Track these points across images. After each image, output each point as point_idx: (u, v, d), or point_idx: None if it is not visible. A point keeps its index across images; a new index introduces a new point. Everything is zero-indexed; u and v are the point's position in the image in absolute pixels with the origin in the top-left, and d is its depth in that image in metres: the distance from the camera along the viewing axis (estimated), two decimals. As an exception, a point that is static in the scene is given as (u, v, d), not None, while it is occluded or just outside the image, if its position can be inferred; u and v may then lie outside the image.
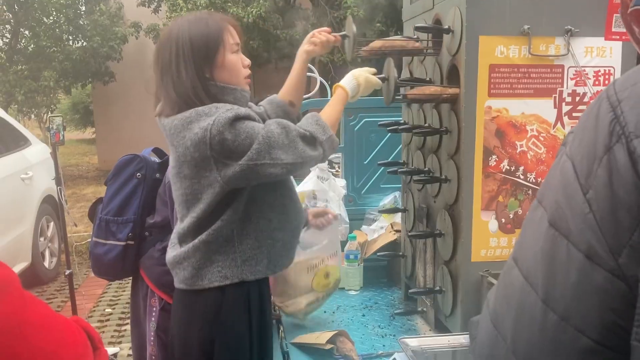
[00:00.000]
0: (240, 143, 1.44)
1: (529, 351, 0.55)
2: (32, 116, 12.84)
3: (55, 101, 11.41)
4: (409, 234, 1.85)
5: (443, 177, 1.71)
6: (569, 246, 0.53)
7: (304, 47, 1.74)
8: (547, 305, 0.53)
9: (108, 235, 2.02)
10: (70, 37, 10.53)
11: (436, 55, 1.78)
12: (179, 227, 1.59)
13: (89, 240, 2.15)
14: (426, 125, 1.84)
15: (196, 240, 1.54)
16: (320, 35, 1.74)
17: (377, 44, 1.83)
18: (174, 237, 1.63)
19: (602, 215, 0.51)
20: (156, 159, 2.11)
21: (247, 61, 1.59)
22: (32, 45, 10.25)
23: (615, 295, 0.50)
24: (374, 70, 1.74)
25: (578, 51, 1.58)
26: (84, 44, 10.47)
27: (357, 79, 1.69)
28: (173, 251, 1.60)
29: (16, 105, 10.16)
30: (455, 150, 1.64)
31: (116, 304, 4.42)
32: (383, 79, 1.75)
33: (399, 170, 1.95)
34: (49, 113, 12.19)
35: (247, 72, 1.59)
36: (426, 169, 1.85)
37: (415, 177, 1.78)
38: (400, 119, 2.17)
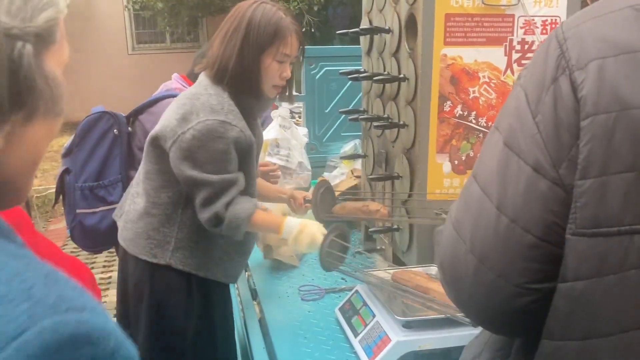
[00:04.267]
0: (203, 159, 1.52)
1: (485, 249, 0.66)
2: None
3: None
4: (369, 177, 1.96)
5: (401, 122, 1.80)
6: (519, 162, 0.64)
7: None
8: (500, 210, 0.65)
9: (96, 202, 1.96)
10: None
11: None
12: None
13: (46, 193, 2.08)
14: (385, 73, 1.91)
15: (142, 206, 1.64)
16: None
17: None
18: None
19: (548, 135, 0.62)
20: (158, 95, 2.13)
21: (287, 74, 1.63)
22: None
23: (555, 200, 0.62)
24: (320, 239, 1.58)
25: (528, 1, 1.68)
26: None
27: (299, 234, 1.61)
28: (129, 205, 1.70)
29: None
30: (413, 97, 1.73)
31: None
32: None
33: (360, 117, 2.03)
34: None
35: (280, 82, 1.64)
36: (385, 115, 1.94)
37: (375, 124, 1.87)
38: (361, 67, 2.24)
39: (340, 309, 1.66)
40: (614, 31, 0.61)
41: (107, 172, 1.94)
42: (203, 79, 1.64)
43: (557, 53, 0.62)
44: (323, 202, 1.84)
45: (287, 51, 1.59)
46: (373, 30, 1.96)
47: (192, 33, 12.88)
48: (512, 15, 1.68)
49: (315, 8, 9.41)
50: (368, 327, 1.47)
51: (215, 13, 10.36)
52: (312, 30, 9.09)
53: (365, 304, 1.56)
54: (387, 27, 1.88)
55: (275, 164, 2.25)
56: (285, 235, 1.64)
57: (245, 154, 1.62)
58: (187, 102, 1.58)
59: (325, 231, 1.62)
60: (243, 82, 1.59)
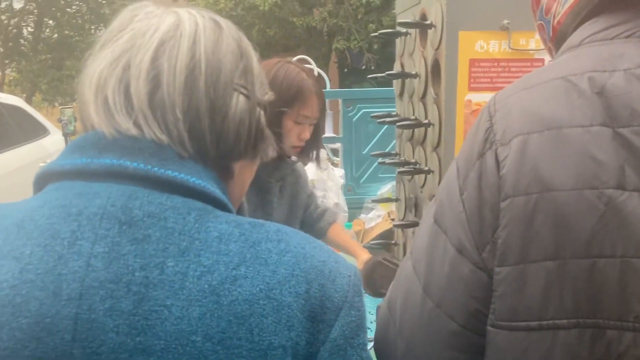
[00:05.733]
0: None
1: (412, 333, 0.61)
2: (57, 104, 13.17)
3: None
4: (394, 224, 1.91)
5: (426, 168, 1.75)
6: (446, 241, 0.59)
7: None
8: (426, 293, 0.60)
9: None
10: (93, 27, 10.74)
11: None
12: None
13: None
14: (413, 117, 1.88)
15: None
16: None
17: None
18: None
19: (471, 214, 0.57)
20: None
21: (305, 135, 1.61)
22: (55, 35, 10.48)
23: (478, 286, 0.56)
24: None
25: (558, 45, 1.61)
26: (106, 33, 10.67)
27: None
28: None
29: (40, 94, 10.44)
30: (438, 143, 1.68)
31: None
32: None
33: (387, 161, 2.00)
34: (73, 102, 12.42)
35: (298, 143, 1.62)
36: (413, 160, 1.89)
37: (399, 169, 1.83)
38: (395, 110, 2.22)
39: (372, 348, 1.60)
40: (541, 104, 0.56)
41: None
42: None
43: (487, 126, 0.58)
44: (375, 280, 1.75)
45: (308, 113, 1.59)
46: (401, 75, 1.94)
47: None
48: (542, 60, 1.61)
49: (375, 46, 9.53)
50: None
51: (280, 52, 10.71)
52: (372, 68, 9.17)
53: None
54: (414, 72, 1.85)
55: None
56: None
57: None
58: None
59: None
60: None
